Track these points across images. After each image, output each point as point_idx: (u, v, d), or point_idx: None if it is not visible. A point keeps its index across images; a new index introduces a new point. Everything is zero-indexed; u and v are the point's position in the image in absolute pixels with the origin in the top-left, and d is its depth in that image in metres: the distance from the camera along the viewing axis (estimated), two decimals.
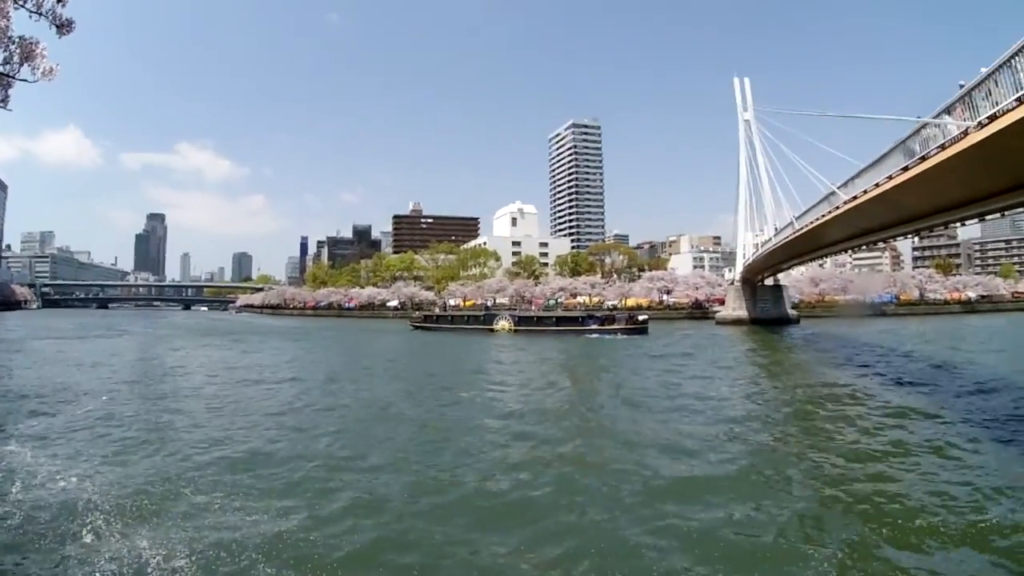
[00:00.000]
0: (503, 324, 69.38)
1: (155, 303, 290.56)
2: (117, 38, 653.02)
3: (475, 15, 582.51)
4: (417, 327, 77.99)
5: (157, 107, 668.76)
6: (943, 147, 19.40)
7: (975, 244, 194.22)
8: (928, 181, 22.42)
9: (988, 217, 26.40)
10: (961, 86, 17.99)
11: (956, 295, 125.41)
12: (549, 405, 22.77)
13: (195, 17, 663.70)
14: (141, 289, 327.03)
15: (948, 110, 19.49)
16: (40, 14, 6.47)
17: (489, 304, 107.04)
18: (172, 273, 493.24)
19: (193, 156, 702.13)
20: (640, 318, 66.54)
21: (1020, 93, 15.37)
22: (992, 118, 16.47)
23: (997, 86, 16.45)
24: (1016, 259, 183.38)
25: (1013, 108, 15.62)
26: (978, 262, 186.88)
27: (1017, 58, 15.53)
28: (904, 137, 24.45)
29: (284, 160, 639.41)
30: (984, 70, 16.98)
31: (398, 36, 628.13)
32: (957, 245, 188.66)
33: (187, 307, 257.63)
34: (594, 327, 63.78)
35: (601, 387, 28.61)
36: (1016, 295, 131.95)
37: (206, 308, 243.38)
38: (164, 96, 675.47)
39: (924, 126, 21.42)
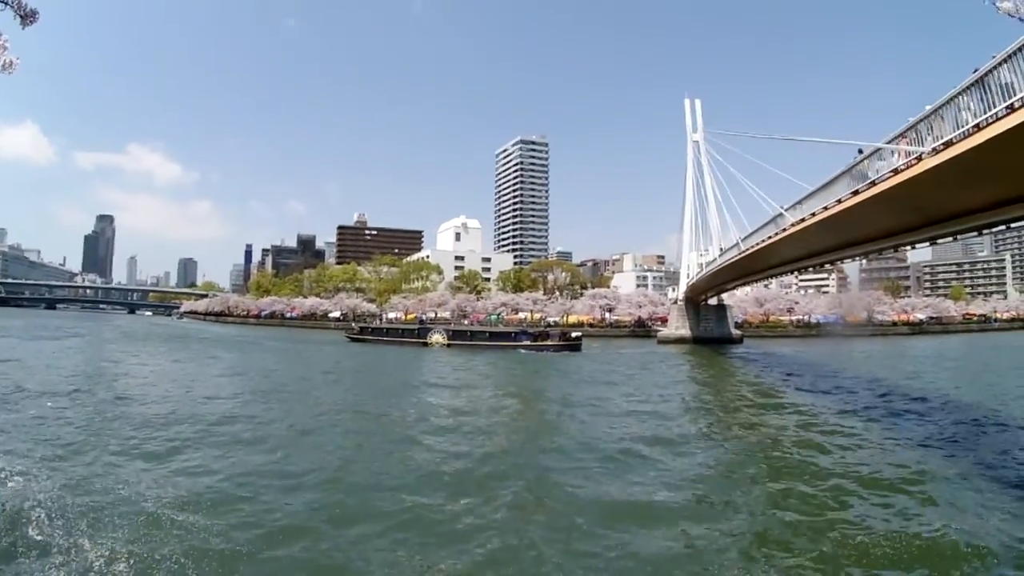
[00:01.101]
0: (437, 338, 69.71)
1: (101, 306, 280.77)
2: (74, 32, 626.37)
3: (427, 29, 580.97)
4: (353, 339, 77.72)
5: (113, 106, 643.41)
6: (896, 171, 19.69)
7: (925, 267, 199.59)
8: (877, 206, 22.80)
9: (940, 241, 27.09)
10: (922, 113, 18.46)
11: (905, 316, 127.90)
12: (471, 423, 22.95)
13: (154, 15, 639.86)
14: (88, 291, 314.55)
15: (896, 139, 20.05)
16: (5, 3, 6.44)
17: (432, 317, 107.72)
18: (119, 276, 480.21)
19: (144, 158, 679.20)
20: (573, 335, 67.05)
21: (962, 129, 16.03)
22: (945, 144, 16.91)
23: (943, 120, 17.28)
24: (967, 282, 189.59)
25: (959, 141, 16.20)
26: (928, 284, 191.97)
27: (960, 97, 16.36)
28: (853, 163, 24.91)
29: (233, 166, 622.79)
30: (928, 107, 17.97)
31: (351, 48, 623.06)
32: (907, 268, 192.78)
33: (132, 311, 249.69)
34: (526, 343, 64.06)
35: (528, 406, 28.85)
36: (967, 316, 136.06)
37: (150, 313, 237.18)
38: (120, 95, 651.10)
39: (876, 151, 21.76)
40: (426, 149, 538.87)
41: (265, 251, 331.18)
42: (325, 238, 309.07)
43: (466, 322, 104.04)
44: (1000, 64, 14.50)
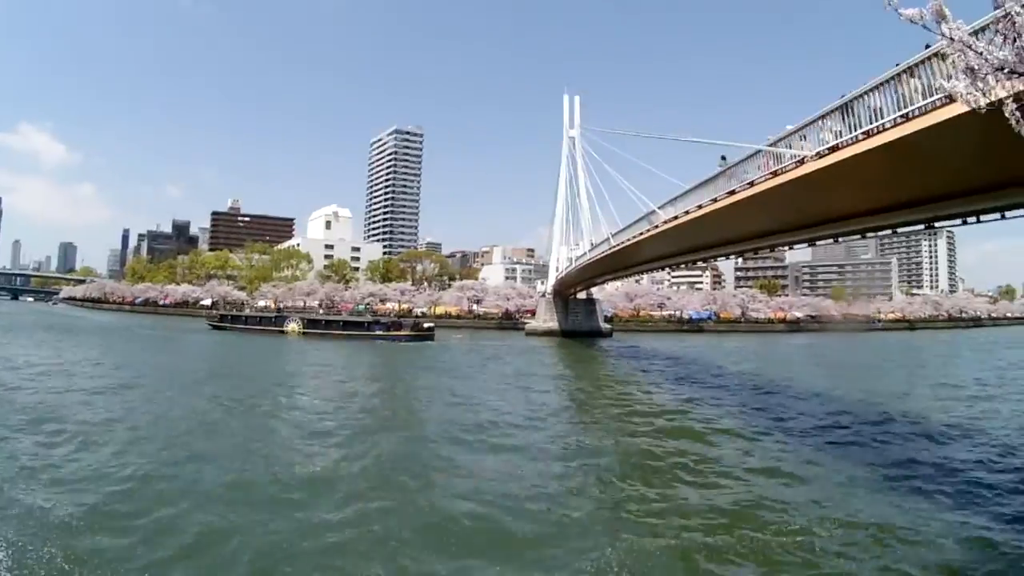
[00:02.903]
0: (293, 326, 71.37)
1: None
2: None
3: (312, 14, 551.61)
4: (215, 327, 78.00)
5: (8, 82, 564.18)
6: (775, 173, 19.52)
7: (804, 267, 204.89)
8: (750, 207, 22.78)
9: (819, 242, 27.80)
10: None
11: (781, 314, 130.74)
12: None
13: None
14: None
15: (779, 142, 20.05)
16: None
17: (300, 306, 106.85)
18: (3, 260, 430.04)
19: (33, 138, 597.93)
20: (425, 325, 69.69)
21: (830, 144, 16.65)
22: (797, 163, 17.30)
23: (805, 140, 18.59)
24: (850, 283, 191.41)
25: (826, 155, 17.06)
26: (807, 284, 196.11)
27: (823, 120, 17.58)
28: (726, 167, 24.88)
29: (115, 148, 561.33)
30: (790, 127, 19.50)
31: (235, 32, 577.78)
32: (784, 267, 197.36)
33: (15, 296, 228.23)
34: (379, 332, 65.81)
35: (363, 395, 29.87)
36: (848, 316, 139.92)
37: (32, 299, 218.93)
38: (16, 68, 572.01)
39: (757, 152, 21.60)
40: (303, 138, 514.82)
41: (141, 236, 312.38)
42: (200, 224, 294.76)
43: (325, 312, 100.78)
44: (857, 98, 15.87)
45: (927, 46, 14.15)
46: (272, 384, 31.04)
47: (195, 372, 35.00)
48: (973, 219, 18.92)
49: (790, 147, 18.93)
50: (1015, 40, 3.89)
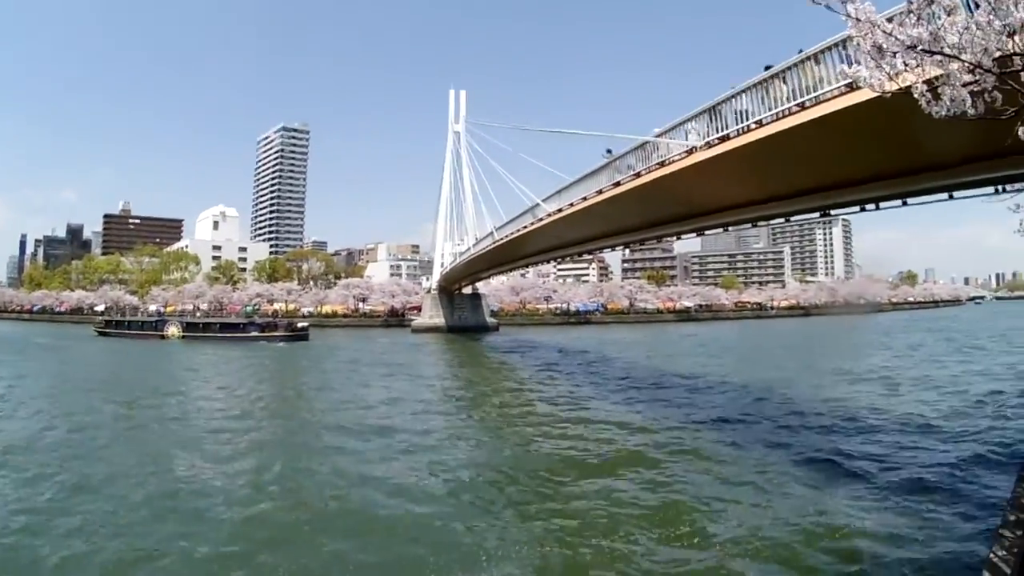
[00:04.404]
0: (172, 330, 70.88)
1: None
2: None
3: (184, 15, 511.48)
4: (100, 333, 77.17)
5: None
6: (663, 164, 19.96)
7: (693, 257, 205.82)
8: (639, 197, 23.24)
9: (708, 232, 28.67)
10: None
11: (670, 304, 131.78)
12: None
13: None
14: None
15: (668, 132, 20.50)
16: None
17: (190, 309, 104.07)
18: None
19: None
20: (300, 325, 70.60)
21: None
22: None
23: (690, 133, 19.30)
24: (741, 272, 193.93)
25: (716, 144, 17.82)
26: (696, 274, 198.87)
27: (687, 124, 19.19)
28: (608, 160, 25.32)
29: (11, 150, 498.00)
30: (657, 130, 20.93)
31: (121, 25, 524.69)
32: (673, 258, 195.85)
33: None
34: (255, 333, 66.17)
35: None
36: (740, 304, 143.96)
37: None
38: None
39: (644, 144, 21.98)
40: (194, 133, 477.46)
41: (38, 242, 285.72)
42: (95, 227, 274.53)
43: (215, 314, 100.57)
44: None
45: (767, 67, 15.84)
46: (136, 395, 28.79)
47: (62, 385, 32.57)
48: (872, 206, 19.72)
49: (686, 137, 19.33)
50: (930, 20, 3.84)
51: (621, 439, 18.92)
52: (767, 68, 15.80)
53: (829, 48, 13.63)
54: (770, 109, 15.37)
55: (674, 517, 12.09)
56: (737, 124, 16.72)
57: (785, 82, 14.94)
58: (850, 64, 12.64)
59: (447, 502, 13.32)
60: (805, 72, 14.26)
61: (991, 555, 4.55)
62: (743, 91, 16.73)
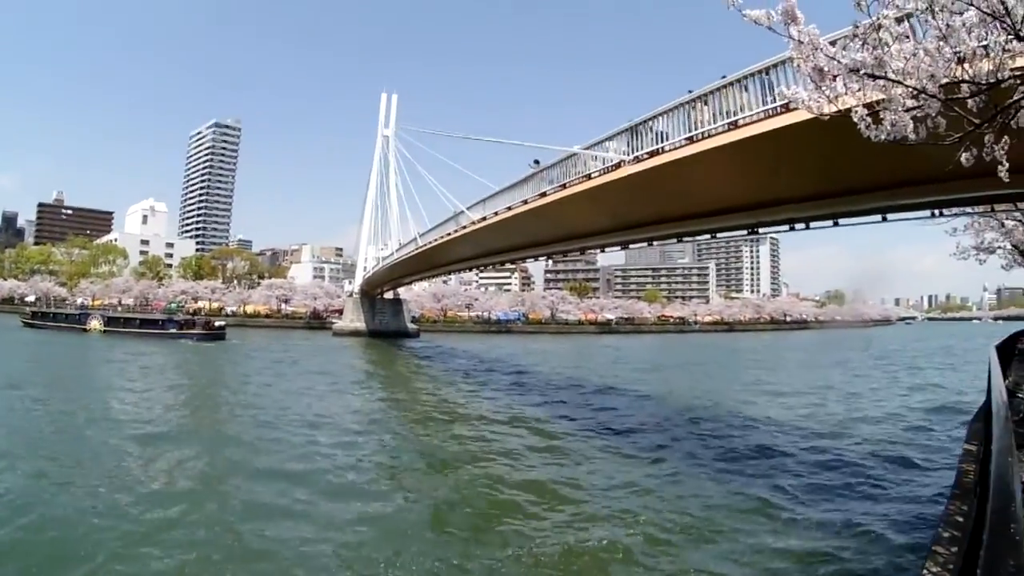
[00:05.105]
0: (94, 324, 71.02)
1: None
2: None
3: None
4: (27, 324, 77.01)
5: None
6: (588, 177, 20.03)
7: (617, 270, 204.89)
8: (564, 209, 23.28)
9: (632, 246, 28.93)
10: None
11: (592, 316, 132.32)
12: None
13: None
14: None
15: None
16: None
17: (116, 304, 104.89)
18: None
19: None
20: (216, 324, 70.10)
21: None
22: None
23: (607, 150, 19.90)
24: (665, 286, 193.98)
25: (644, 159, 18.07)
26: (619, 287, 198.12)
27: (608, 142, 19.71)
28: (545, 166, 25.32)
29: None
30: (577, 147, 21.66)
31: (60, 13, 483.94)
32: (596, 270, 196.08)
33: None
34: (173, 331, 66.09)
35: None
36: (662, 318, 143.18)
37: None
38: None
39: (571, 156, 22.04)
40: (130, 124, 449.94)
41: None
42: (28, 216, 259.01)
43: (140, 310, 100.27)
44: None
45: (690, 91, 16.30)
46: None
47: None
48: (801, 226, 20.07)
49: (642, 145, 18.85)
50: (875, 46, 3.79)
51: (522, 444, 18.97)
52: (689, 92, 16.26)
53: (752, 75, 14.00)
54: (691, 130, 15.71)
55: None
56: (660, 143, 17.03)
57: (707, 104, 15.38)
58: (771, 89, 13.23)
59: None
60: (727, 96, 14.72)
61: (924, 572, 4.54)
62: (662, 113, 17.19)
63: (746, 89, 14.11)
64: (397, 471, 15.63)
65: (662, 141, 16.97)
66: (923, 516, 12.06)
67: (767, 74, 13.52)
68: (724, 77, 14.87)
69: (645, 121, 17.99)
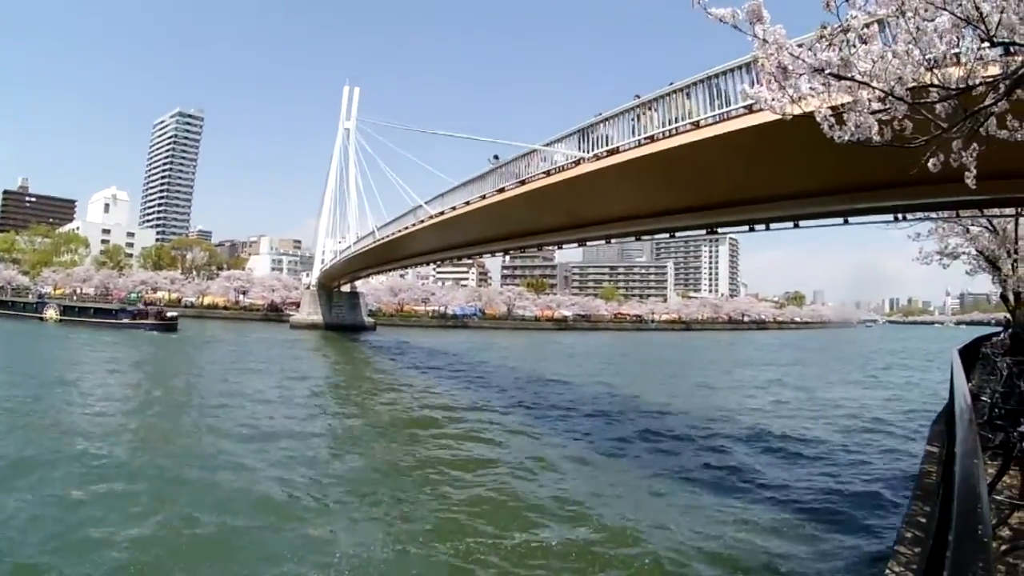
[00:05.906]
0: (51, 313, 71.69)
1: None
2: None
3: None
4: None
5: None
6: (548, 173, 19.98)
7: (574, 267, 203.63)
8: (521, 205, 23.25)
9: (590, 243, 28.96)
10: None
11: (548, 312, 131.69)
12: None
13: None
14: None
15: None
16: None
17: (77, 293, 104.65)
18: None
19: None
20: (168, 315, 69.91)
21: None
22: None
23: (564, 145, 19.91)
24: (622, 285, 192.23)
25: (604, 157, 18.24)
26: (576, 284, 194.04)
27: (561, 143, 19.88)
28: (504, 162, 25.16)
29: None
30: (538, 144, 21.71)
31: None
32: (554, 267, 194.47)
33: None
34: (126, 320, 66.53)
35: None
36: (618, 316, 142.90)
37: None
38: None
39: (531, 152, 21.95)
40: (94, 113, 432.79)
41: None
42: None
43: (100, 299, 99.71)
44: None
45: (636, 96, 16.54)
46: None
47: None
48: (762, 227, 19.96)
49: (598, 142, 18.87)
50: (842, 47, 3.69)
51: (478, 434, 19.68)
52: (636, 96, 16.47)
53: (699, 82, 14.11)
54: (645, 132, 15.74)
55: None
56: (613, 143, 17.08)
57: (655, 110, 15.54)
58: (719, 95, 13.30)
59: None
60: (674, 103, 14.88)
61: (888, 572, 4.54)
62: (612, 116, 17.37)
63: (689, 96, 14.32)
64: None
65: (606, 144, 17.21)
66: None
67: (718, 79, 13.56)
68: (672, 84, 14.99)
69: (594, 124, 18.10)
